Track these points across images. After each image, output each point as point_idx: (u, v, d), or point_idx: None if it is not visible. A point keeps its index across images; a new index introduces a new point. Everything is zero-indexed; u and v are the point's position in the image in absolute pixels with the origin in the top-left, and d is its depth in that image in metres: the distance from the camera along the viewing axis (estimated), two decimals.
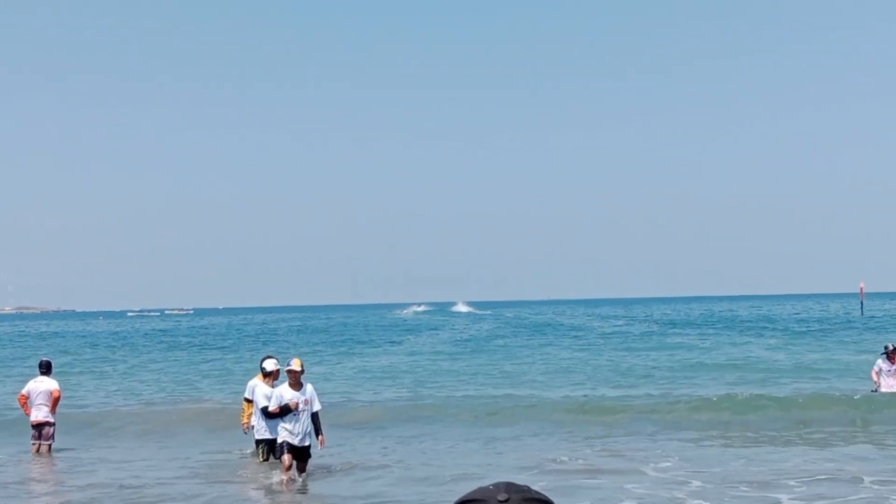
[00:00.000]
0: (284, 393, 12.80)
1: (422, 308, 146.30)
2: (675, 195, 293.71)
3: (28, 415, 16.48)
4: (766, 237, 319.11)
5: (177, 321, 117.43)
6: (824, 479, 12.69)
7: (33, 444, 16.40)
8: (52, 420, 16.44)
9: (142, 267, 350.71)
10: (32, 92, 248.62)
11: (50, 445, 16.41)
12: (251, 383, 14.93)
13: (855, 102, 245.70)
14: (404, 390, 25.70)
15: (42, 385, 16.49)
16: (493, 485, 1.86)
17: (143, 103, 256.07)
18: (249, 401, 14.81)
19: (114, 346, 53.63)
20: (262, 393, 14.11)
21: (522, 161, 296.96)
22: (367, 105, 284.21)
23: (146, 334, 71.79)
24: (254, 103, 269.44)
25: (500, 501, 1.86)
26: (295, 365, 12.87)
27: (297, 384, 12.85)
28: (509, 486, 1.87)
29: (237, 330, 77.47)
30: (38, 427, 16.35)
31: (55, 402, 16.42)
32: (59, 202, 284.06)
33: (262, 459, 14.37)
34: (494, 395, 23.13)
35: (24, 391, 16.65)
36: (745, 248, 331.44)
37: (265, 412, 13.50)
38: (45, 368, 16.91)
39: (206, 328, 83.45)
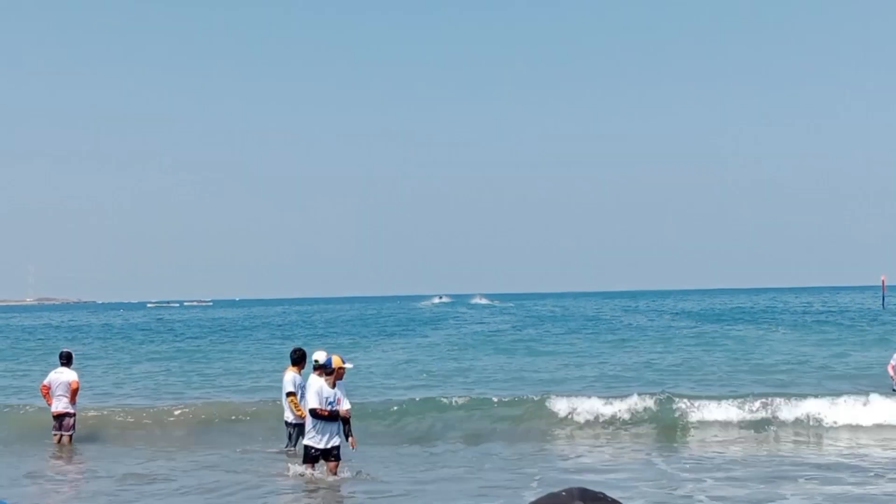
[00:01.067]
0: (324, 388, 12.18)
1: (443, 299, 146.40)
2: (692, 185, 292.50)
3: (50, 405, 16.61)
4: (784, 229, 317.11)
5: (196, 312, 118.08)
6: None
7: (54, 434, 16.55)
8: (72, 411, 16.56)
9: (161, 258, 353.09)
10: (52, 87, 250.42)
11: (71, 436, 16.54)
12: (292, 377, 14.50)
13: (871, 93, 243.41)
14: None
15: (62, 376, 16.62)
16: (566, 491, 1.69)
17: (163, 97, 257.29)
18: (293, 394, 14.32)
19: (143, 337, 53.77)
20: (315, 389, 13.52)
21: (538, 153, 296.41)
22: (384, 95, 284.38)
23: (174, 326, 71.92)
24: (268, 94, 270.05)
25: None
26: (337, 362, 12.33)
27: (333, 382, 12.32)
28: (584, 493, 1.68)
29: (264, 321, 77.55)
30: (59, 418, 16.48)
31: (74, 393, 16.53)
32: (80, 194, 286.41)
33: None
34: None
35: (45, 382, 16.81)
36: (768, 240, 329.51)
37: (313, 413, 12.31)
38: (66, 360, 17.03)
39: (228, 320, 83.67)
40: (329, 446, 12.20)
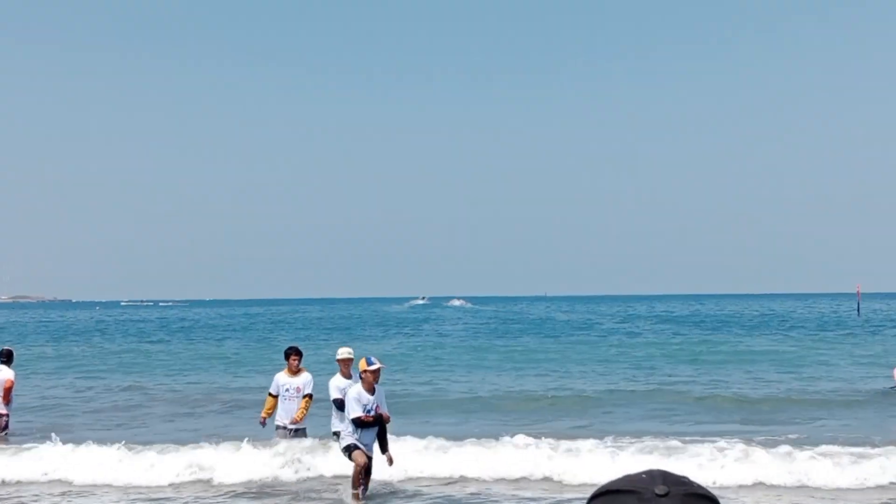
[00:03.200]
0: (362, 395, 11.15)
1: (424, 300, 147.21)
2: (668, 194, 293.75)
3: None
4: (760, 237, 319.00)
5: (170, 310, 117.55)
6: None
7: None
8: (4, 411, 15.99)
9: (138, 258, 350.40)
10: (28, 84, 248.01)
11: (5, 435, 15.96)
12: (287, 378, 13.57)
13: (854, 103, 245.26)
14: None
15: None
16: (647, 473, 1.51)
17: (141, 96, 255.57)
18: (275, 396, 13.57)
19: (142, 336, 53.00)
20: (336, 385, 12.78)
21: (516, 157, 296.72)
22: (366, 100, 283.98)
23: (172, 325, 71.08)
24: (250, 96, 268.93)
25: (658, 496, 1.47)
26: (379, 363, 11.29)
27: (372, 388, 11.25)
28: (667, 477, 1.50)
29: (242, 320, 77.05)
30: None
31: (7, 392, 15.95)
32: (55, 192, 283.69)
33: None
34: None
35: None
36: (740, 247, 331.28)
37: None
38: (6, 357, 16.46)
39: (197, 319, 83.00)
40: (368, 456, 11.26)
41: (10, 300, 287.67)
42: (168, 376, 28.20)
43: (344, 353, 13.16)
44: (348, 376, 12.84)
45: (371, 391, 11.14)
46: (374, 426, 11.20)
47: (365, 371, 11.08)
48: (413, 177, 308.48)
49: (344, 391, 12.59)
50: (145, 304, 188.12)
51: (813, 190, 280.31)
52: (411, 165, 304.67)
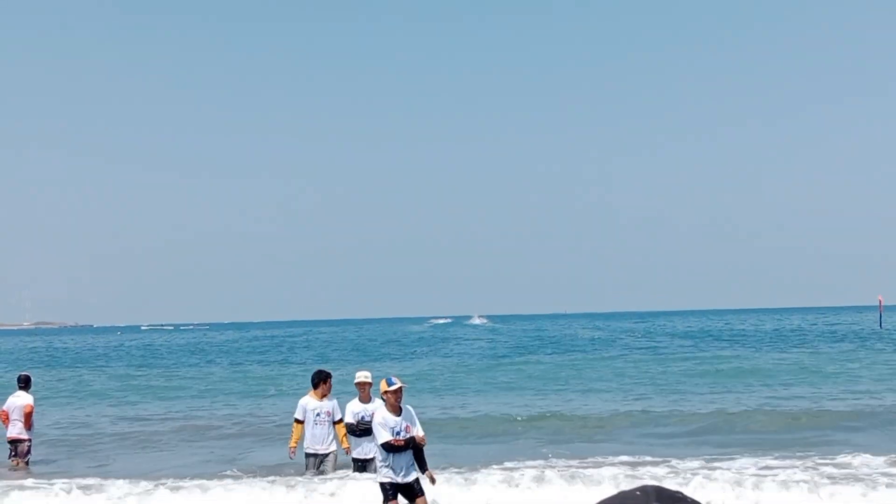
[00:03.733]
0: (388, 418, 10.50)
1: (481, 320, 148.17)
2: (684, 208, 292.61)
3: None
4: (777, 250, 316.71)
5: (201, 334, 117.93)
6: None
7: (11, 460, 16.06)
8: (25, 437, 16.06)
9: (157, 282, 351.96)
10: (48, 110, 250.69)
11: (27, 461, 16.04)
12: (315, 402, 13.31)
13: (874, 113, 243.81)
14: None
15: (18, 400, 16.16)
16: (641, 490, 1.55)
17: (165, 122, 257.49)
18: (302, 421, 13.27)
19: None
20: (352, 410, 12.68)
21: (531, 174, 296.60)
22: (384, 112, 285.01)
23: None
24: (266, 116, 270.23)
25: None
26: (400, 382, 10.70)
27: (398, 409, 10.64)
28: (661, 492, 1.54)
29: (228, 345, 77.13)
30: (13, 443, 16.02)
31: (27, 418, 16.03)
32: (77, 218, 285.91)
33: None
34: None
35: (4, 407, 16.32)
36: (762, 259, 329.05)
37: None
38: (24, 383, 16.56)
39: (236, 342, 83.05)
40: (409, 480, 10.52)
41: (33, 326, 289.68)
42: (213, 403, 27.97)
43: (361, 376, 12.74)
44: (367, 400, 12.61)
45: (397, 412, 10.50)
46: (407, 450, 10.49)
47: (385, 392, 10.49)
48: (429, 195, 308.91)
49: (359, 416, 12.53)
50: (165, 327, 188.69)
51: (831, 201, 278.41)
52: (429, 184, 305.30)
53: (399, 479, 10.39)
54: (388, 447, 10.34)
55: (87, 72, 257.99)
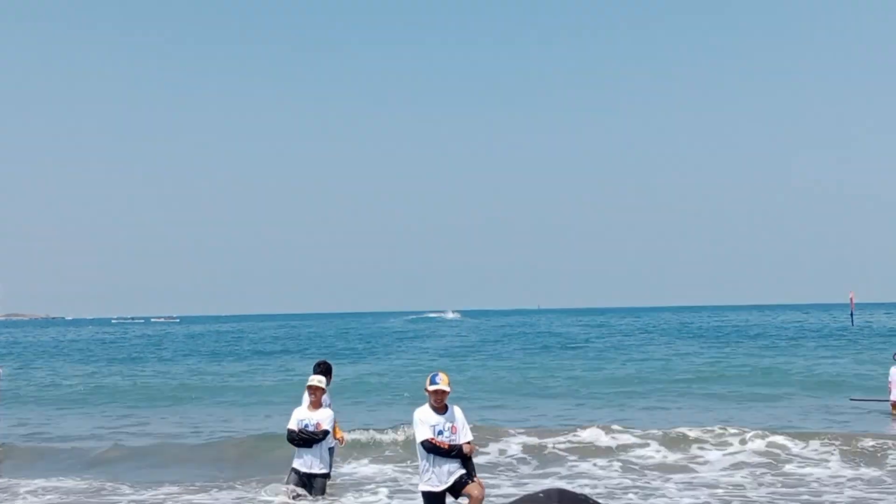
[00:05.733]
0: (428, 415, 9.34)
1: (454, 315, 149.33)
2: (655, 208, 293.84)
3: None
4: (750, 247, 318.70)
5: (164, 328, 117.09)
6: None
7: None
8: None
9: (132, 275, 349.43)
10: (25, 100, 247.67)
11: None
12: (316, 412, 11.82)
13: (841, 110, 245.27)
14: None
15: None
16: (544, 492, 1.26)
17: (136, 111, 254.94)
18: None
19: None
20: (297, 417, 11.43)
21: (508, 171, 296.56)
22: (367, 112, 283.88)
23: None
24: (247, 110, 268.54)
25: None
26: (442, 383, 9.33)
27: (442, 407, 9.40)
28: (562, 494, 1.20)
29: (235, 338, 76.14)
30: None
31: None
32: (50, 210, 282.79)
33: None
34: None
35: None
36: (730, 257, 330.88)
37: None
38: None
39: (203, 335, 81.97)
40: (453, 482, 9.21)
41: (4, 318, 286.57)
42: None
43: (314, 380, 11.61)
44: (317, 406, 11.47)
45: (441, 409, 9.29)
46: (452, 455, 9.17)
47: (426, 390, 9.32)
48: (405, 190, 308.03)
49: (303, 423, 11.38)
50: (136, 320, 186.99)
51: (805, 198, 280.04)
52: (405, 179, 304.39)
53: (441, 488, 9.17)
54: (429, 447, 9.14)
55: (59, 62, 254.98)
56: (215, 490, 13.31)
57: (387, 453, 16.12)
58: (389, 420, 19.03)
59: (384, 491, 12.88)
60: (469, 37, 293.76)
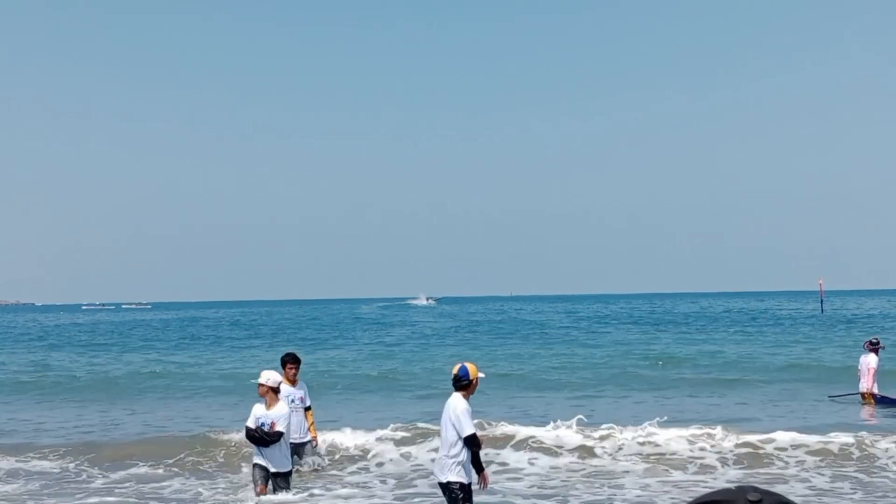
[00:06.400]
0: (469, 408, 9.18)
1: (429, 301, 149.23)
2: (627, 193, 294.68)
3: None
4: (720, 234, 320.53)
5: (135, 314, 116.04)
6: None
7: None
8: None
9: (103, 260, 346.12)
10: None
11: None
12: (288, 388, 12.05)
13: (812, 102, 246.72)
14: None
15: None
16: (738, 487, 1.65)
17: (106, 93, 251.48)
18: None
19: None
20: (254, 413, 11.03)
21: (481, 159, 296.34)
22: (338, 101, 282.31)
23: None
24: (217, 93, 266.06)
25: (750, 502, 1.60)
26: (472, 372, 9.07)
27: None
28: (757, 489, 1.64)
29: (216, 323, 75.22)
30: None
31: None
32: (14, 193, 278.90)
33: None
34: None
35: None
36: (698, 245, 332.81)
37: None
38: None
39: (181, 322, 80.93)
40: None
41: None
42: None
43: (262, 376, 11.06)
44: (272, 404, 10.94)
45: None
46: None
47: (472, 380, 9.03)
48: (378, 177, 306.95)
49: (259, 420, 10.82)
50: (107, 307, 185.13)
51: (775, 186, 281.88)
52: (377, 164, 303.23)
53: (473, 479, 9.04)
54: (475, 441, 8.94)
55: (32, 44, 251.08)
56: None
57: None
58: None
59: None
60: (432, 34, 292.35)
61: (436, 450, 10.91)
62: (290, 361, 12.36)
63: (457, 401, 8.91)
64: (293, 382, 12.30)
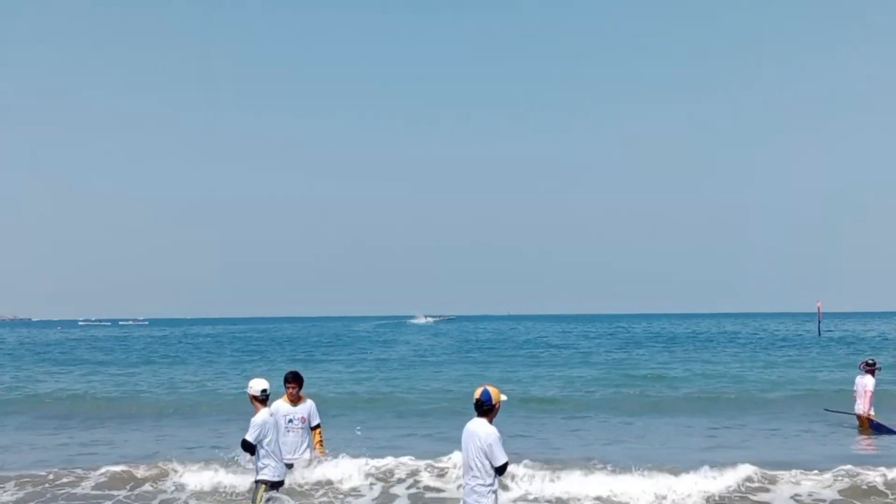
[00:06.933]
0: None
1: (427, 320, 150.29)
2: (624, 213, 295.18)
3: None
4: (718, 254, 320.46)
5: (129, 330, 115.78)
6: None
7: None
8: None
9: (101, 277, 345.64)
10: None
11: None
12: (287, 407, 11.88)
13: (808, 120, 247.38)
14: None
15: None
16: None
17: (103, 112, 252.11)
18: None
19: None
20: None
21: (482, 178, 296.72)
22: (340, 116, 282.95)
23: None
24: (214, 112, 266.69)
25: None
26: (496, 397, 8.78)
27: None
28: None
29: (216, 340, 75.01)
30: None
31: None
32: (19, 210, 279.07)
33: None
34: None
35: None
36: (694, 265, 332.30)
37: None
38: None
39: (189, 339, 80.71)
40: None
41: None
42: None
43: (250, 385, 10.73)
44: (256, 411, 10.58)
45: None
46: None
47: (494, 405, 8.72)
48: (378, 196, 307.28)
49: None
50: (103, 323, 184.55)
51: (773, 206, 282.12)
52: (377, 184, 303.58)
53: None
54: (506, 468, 8.63)
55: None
56: None
57: None
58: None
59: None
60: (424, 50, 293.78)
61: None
62: (289, 380, 11.95)
63: (484, 427, 8.51)
64: (294, 401, 11.94)
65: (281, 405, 11.76)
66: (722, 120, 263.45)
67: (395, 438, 18.06)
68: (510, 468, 8.92)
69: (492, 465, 8.39)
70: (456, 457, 13.40)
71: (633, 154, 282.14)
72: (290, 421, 11.76)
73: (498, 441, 8.41)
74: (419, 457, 14.07)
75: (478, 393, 8.65)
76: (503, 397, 8.69)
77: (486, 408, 8.55)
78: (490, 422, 8.56)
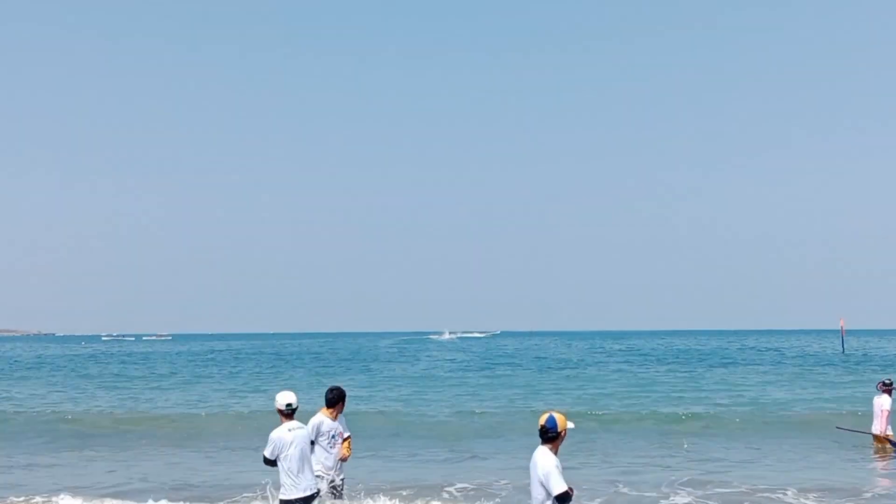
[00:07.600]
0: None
1: (451, 336, 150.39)
2: (644, 229, 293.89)
3: None
4: (742, 271, 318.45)
5: (152, 346, 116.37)
6: None
7: None
8: None
9: (124, 290, 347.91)
10: (19, 112, 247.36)
11: None
12: (331, 423, 11.72)
13: (829, 139, 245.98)
14: None
15: None
16: None
17: (130, 124, 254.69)
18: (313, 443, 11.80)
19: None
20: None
21: (504, 191, 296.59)
22: (358, 129, 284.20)
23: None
24: (229, 121, 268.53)
25: None
26: (562, 424, 8.37)
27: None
28: None
29: (238, 355, 75.51)
30: None
31: None
32: (40, 225, 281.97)
33: None
34: None
35: None
36: (721, 282, 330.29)
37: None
38: None
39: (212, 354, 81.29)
40: None
41: None
42: None
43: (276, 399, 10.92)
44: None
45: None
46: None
47: (560, 433, 8.31)
48: (410, 205, 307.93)
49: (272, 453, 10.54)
50: (126, 338, 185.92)
51: (796, 222, 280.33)
52: (393, 201, 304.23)
53: None
54: (568, 497, 8.08)
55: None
56: None
57: None
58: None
59: None
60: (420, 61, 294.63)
61: None
62: (341, 398, 11.84)
63: (545, 457, 8.09)
64: (335, 417, 11.85)
65: (325, 420, 11.65)
66: (736, 135, 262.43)
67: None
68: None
69: (549, 494, 7.98)
70: None
71: (649, 174, 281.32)
72: (333, 437, 11.64)
73: (556, 469, 8.00)
74: None
75: (543, 419, 8.21)
76: (570, 425, 8.23)
77: (550, 435, 8.12)
78: (554, 450, 8.15)
